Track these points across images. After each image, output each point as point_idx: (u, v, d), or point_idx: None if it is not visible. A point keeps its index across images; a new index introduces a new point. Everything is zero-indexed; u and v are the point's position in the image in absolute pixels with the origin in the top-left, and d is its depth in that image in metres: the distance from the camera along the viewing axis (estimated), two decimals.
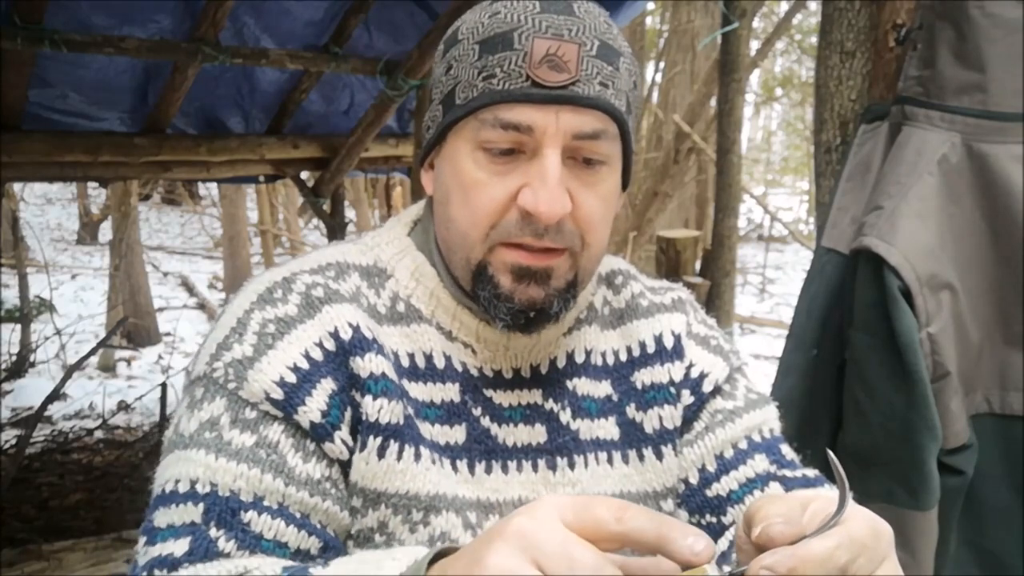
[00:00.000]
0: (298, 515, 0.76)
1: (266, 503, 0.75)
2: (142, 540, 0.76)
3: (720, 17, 2.55)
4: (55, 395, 4.37)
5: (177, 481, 0.76)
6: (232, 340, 0.81)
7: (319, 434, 0.78)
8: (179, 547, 0.73)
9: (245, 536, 0.74)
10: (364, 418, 0.80)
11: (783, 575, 0.55)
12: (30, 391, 5.50)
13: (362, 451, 0.80)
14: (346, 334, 0.81)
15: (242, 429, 0.77)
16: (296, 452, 0.77)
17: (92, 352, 4.89)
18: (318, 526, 0.77)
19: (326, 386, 0.79)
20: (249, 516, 0.74)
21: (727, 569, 0.58)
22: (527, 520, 0.53)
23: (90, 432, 4.90)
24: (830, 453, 0.59)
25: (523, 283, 0.81)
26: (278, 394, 0.77)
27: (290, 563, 0.72)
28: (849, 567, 0.56)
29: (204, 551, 0.72)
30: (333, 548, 0.78)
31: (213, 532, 0.73)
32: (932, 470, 1.45)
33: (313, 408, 0.78)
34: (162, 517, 0.75)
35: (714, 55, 6.36)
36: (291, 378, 0.78)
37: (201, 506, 0.74)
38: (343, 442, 0.79)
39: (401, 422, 0.81)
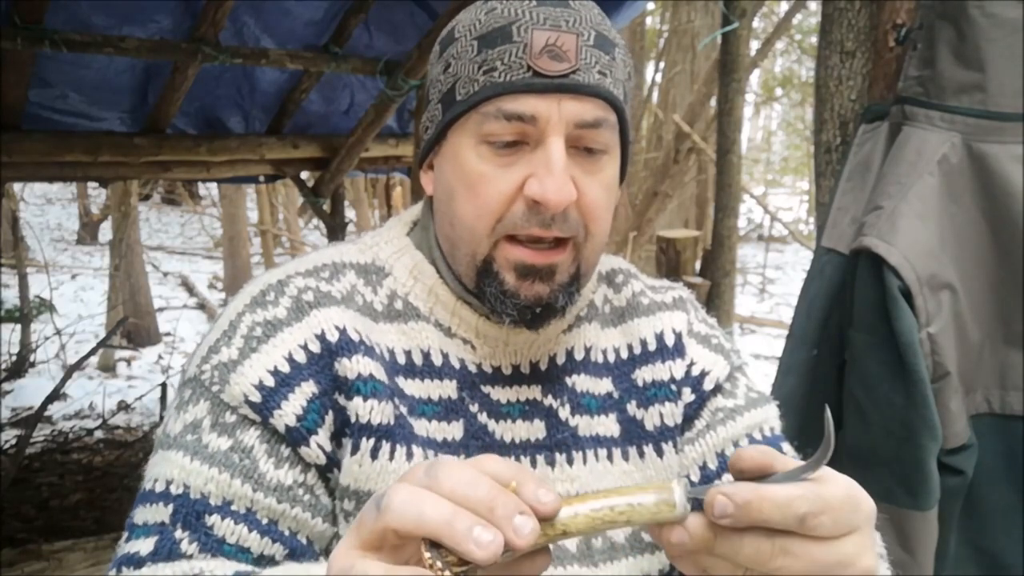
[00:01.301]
0: (265, 521, 0.77)
1: (234, 508, 0.76)
2: (124, 535, 0.78)
3: (720, 17, 2.56)
4: (55, 395, 4.37)
5: (156, 480, 0.78)
6: (221, 343, 0.82)
7: (294, 438, 0.78)
8: (146, 546, 0.74)
9: (208, 539, 0.74)
10: (354, 420, 0.79)
11: (738, 503, 0.55)
12: (30, 391, 5.50)
13: (354, 454, 0.79)
14: (332, 336, 0.81)
15: (220, 433, 0.78)
16: (269, 458, 0.78)
17: (92, 352, 4.89)
18: (286, 533, 0.77)
19: (306, 389, 0.79)
20: (213, 520, 0.75)
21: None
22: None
23: (90, 432, 4.90)
24: (827, 410, 0.57)
25: (528, 280, 0.81)
26: (256, 397, 0.78)
27: (243, 567, 0.73)
28: (809, 520, 0.55)
29: (167, 552, 0.74)
30: (301, 555, 0.78)
31: (178, 533, 0.74)
32: (932, 470, 1.45)
33: (288, 412, 0.78)
34: (140, 514, 0.77)
35: (714, 55, 6.36)
36: (270, 381, 0.78)
37: (171, 507, 0.76)
38: (320, 447, 0.79)
39: (392, 422, 0.81)
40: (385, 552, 0.54)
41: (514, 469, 0.56)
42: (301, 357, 0.80)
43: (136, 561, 0.74)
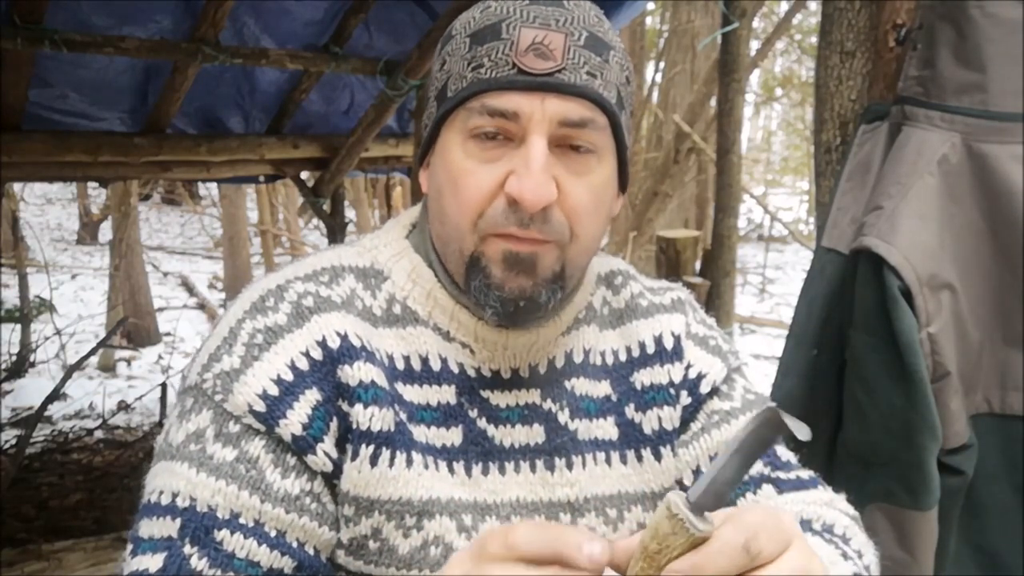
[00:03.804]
0: (273, 533, 0.76)
1: (242, 520, 0.75)
2: (128, 547, 0.77)
3: (720, 17, 2.55)
4: (55, 395, 4.37)
5: (161, 492, 0.77)
6: (222, 351, 0.81)
7: (300, 447, 0.78)
8: (154, 563, 0.73)
9: (218, 555, 0.74)
10: (355, 427, 0.79)
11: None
12: (30, 391, 5.50)
13: (354, 460, 0.79)
14: (334, 343, 0.80)
15: (224, 443, 0.77)
16: (275, 468, 0.77)
17: (92, 352, 4.90)
18: (294, 544, 0.77)
19: (310, 397, 0.78)
20: (223, 535, 0.74)
21: None
22: None
23: (90, 432, 4.90)
24: (773, 406, 0.56)
25: (513, 271, 0.80)
26: (260, 407, 0.77)
27: None
28: (751, 545, 0.55)
29: (177, 568, 0.73)
30: (309, 567, 0.78)
31: (187, 549, 0.74)
32: (932, 470, 1.45)
33: (294, 421, 0.77)
34: (145, 528, 0.76)
35: (714, 55, 6.36)
36: (274, 390, 0.78)
37: (179, 521, 0.75)
38: (326, 454, 0.79)
39: (392, 429, 0.80)
40: None
41: (550, 537, 0.56)
42: (304, 364, 0.79)
43: None
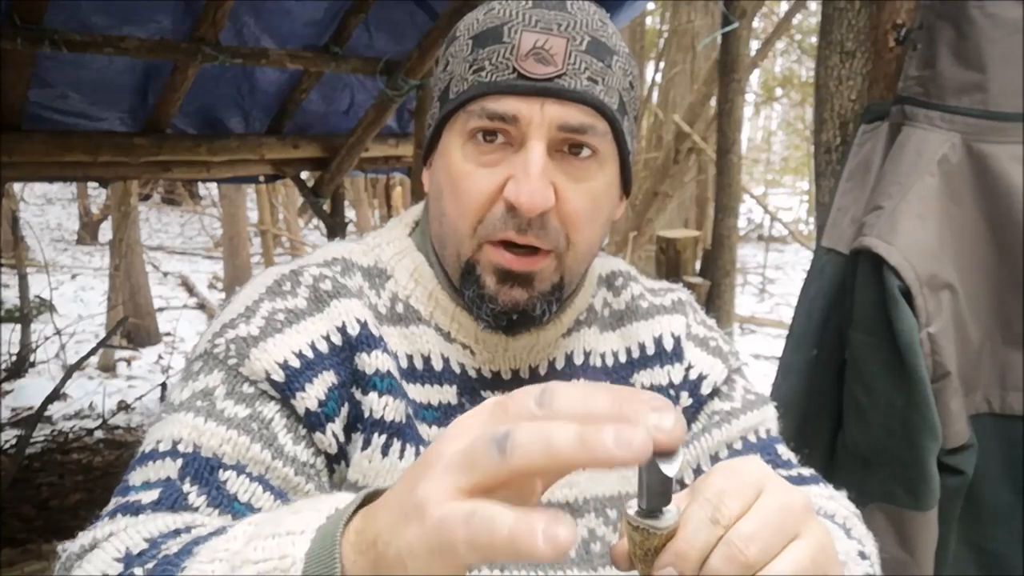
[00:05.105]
0: (278, 486, 0.75)
1: (248, 470, 0.73)
2: (113, 500, 0.72)
3: (720, 17, 2.56)
4: (55, 395, 4.37)
5: (159, 441, 0.74)
6: (239, 321, 0.80)
7: (312, 423, 0.78)
8: (148, 496, 0.70)
9: (219, 495, 0.71)
10: (368, 415, 0.79)
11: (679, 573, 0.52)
12: (30, 391, 5.49)
13: (365, 449, 0.79)
14: (353, 330, 0.81)
15: (236, 401, 0.76)
16: (288, 432, 0.76)
17: (92, 352, 4.90)
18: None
19: (327, 378, 0.79)
20: (227, 475, 0.72)
21: None
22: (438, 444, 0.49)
23: (90, 432, 4.90)
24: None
25: (506, 285, 0.80)
26: (279, 376, 0.77)
27: None
28: (720, 517, 0.52)
29: (172, 502, 0.70)
30: None
31: (186, 487, 0.71)
32: (932, 470, 1.45)
33: (311, 395, 0.77)
34: (138, 475, 0.73)
35: (714, 55, 6.36)
36: (295, 363, 0.78)
37: (180, 462, 0.72)
38: (334, 436, 0.79)
39: (404, 420, 0.81)
40: (499, 494, 0.46)
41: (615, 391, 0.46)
42: (324, 347, 0.80)
43: (135, 509, 0.69)
